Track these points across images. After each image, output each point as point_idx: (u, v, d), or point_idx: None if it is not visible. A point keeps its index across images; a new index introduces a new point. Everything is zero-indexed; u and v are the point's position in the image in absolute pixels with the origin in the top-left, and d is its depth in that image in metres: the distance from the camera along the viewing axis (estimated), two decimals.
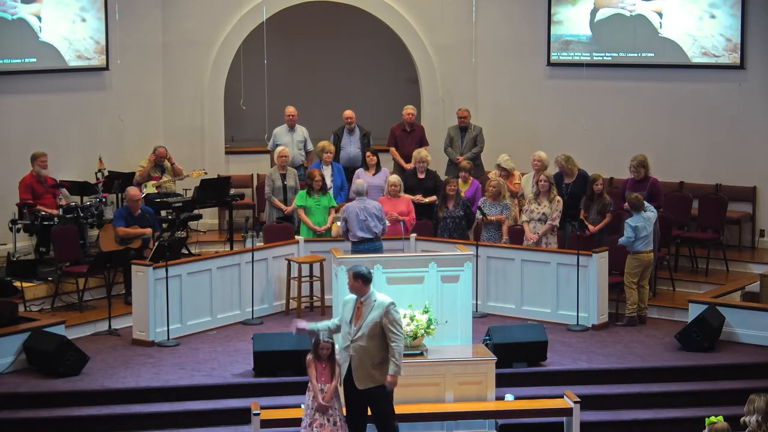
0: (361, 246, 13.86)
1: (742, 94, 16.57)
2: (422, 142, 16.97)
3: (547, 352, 12.57)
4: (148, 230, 14.64)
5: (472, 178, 15.75)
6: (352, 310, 10.24)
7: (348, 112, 16.97)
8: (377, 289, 11.71)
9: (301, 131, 17.01)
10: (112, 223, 14.67)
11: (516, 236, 14.82)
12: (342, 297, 11.75)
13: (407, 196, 15.43)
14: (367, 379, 10.15)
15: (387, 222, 14.31)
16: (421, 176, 15.87)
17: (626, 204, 14.18)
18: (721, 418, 8.63)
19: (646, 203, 14.05)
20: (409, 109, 17.07)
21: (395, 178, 15.35)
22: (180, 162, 16.80)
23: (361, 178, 15.19)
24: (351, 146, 16.90)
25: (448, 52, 18.54)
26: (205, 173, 16.85)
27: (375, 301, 10.21)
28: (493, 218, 14.67)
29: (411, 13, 18.50)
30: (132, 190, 14.79)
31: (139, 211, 14.65)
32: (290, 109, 17.01)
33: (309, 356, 10.25)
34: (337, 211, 15.31)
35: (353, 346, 10.13)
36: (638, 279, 13.97)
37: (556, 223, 14.59)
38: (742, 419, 8.95)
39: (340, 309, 10.53)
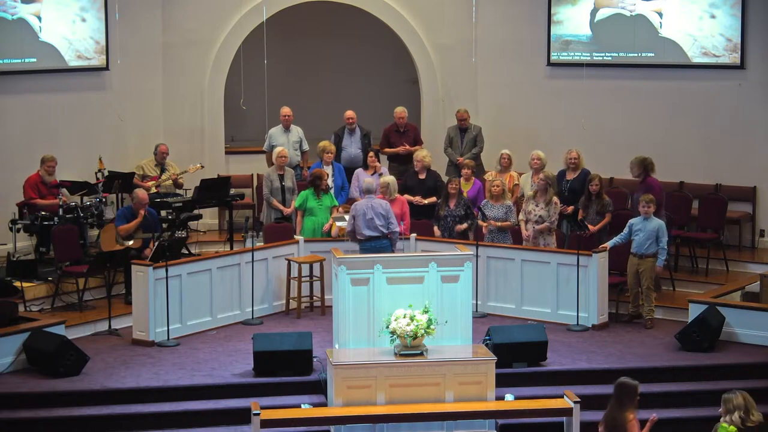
0: (368, 244, 13.77)
1: (742, 94, 16.56)
2: (417, 142, 16.96)
3: (547, 352, 12.57)
4: (140, 217, 14.53)
5: (474, 177, 15.74)
6: None
7: (349, 113, 16.95)
8: (377, 289, 11.76)
9: (297, 131, 17.00)
10: (113, 223, 14.67)
11: (516, 236, 14.81)
12: (343, 297, 11.77)
13: (405, 197, 15.39)
14: None
15: (395, 221, 14.11)
16: (422, 176, 15.84)
17: (647, 207, 13.88)
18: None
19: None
20: (399, 112, 17.03)
21: (389, 178, 15.19)
22: (180, 162, 16.80)
23: (370, 177, 15.10)
24: (352, 147, 16.89)
25: (448, 52, 18.53)
26: (202, 167, 16.86)
27: None
28: (494, 224, 14.65)
29: (411, 13, 18.49)
30: (141, 193, 14.75)
31: (142, 211, 14.64)
32: (285, 110, 16.98)
33: None
34: (337, 210, 15.31)
35: None
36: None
37: (555, 225, 14.57)
38: (721, 422, 8.94)
39: None
